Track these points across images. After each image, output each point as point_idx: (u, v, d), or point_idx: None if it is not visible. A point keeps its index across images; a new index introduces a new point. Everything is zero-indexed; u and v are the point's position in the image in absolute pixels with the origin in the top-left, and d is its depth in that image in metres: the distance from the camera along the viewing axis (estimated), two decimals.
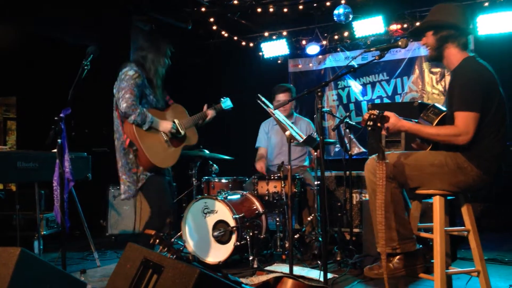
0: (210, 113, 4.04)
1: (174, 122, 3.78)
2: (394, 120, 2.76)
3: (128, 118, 3.52)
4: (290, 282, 2.74)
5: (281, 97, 5.18)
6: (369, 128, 2.69)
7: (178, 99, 4.32)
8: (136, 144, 3.55)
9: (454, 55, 2.88)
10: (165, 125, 3.69)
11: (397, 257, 2.81)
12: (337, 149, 7.23)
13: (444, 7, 2.98)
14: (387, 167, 2.71)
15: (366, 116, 2.70)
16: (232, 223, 4.13)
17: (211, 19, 7.01)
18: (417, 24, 2.91)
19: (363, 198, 4.98)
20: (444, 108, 2.97)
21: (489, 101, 2.71)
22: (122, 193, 3.66)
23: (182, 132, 3.80)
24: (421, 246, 2.90)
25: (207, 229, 4.26)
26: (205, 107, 4.06)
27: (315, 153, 4.61)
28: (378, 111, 2.70)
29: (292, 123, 5.12)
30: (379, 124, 2.71)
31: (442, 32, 2.88)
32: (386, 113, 2.74)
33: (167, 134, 3.71)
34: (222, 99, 4.18)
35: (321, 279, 3.14)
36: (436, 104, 3.05)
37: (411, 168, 2.81)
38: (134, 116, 3.50)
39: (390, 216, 2.79)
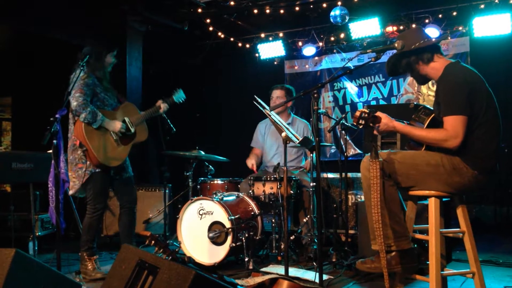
0: (163, 106, 4.24)
1: (124, 120, 4.00)
2: (386, 120, 2.78)
3: (79, 116, 3.75)
4: (285, 283, 2.74)
5: (277, 93, 5.19)
6: (360, 126, 2.72)
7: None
8: (85, 145, 3.80)
9: (432, 68, 2.91)
10: (114, 125, 3.92)
11: (392, 254, 2.82)
12: (332, 151, 7.23)
13: (403, 34, 3.04)
14: (381, 166, 2.73)
15: (357, 113, 2.73)
16: (227, 224, 4.12)
17: (208, 20, 7.02)
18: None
19: (359, 200, 4.98)
20: None
21: (478, 101, 2.73)
22: (70, 189, 3.90)
23: (132, 130, 4.03)
24: (415, 245, 2.91)
25: (202, 230, 4.25)
26: (159, 101, 4.26)
27: (310, 155, 4.61)
28: (369, 110, 2.72)
29: (289, 123, 5.14)
30: (371, 124, 2.73)
31: (402, 62, 2.93)
32: (378, 113, 2.76)
33: (117, 133, 3.92)
34: (175, 91, 4.37)
35: (317, 280, 3.14)
36: (427, 105, 3.08)
37: (408, 167, 2.82)
38: (85, 114, 3.74)
39: (385, 214, 2.80)
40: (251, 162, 5.17)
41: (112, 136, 3.93)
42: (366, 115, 2.71)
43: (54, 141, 3.44)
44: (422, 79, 3.00)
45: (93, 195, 3.91)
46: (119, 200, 4.19)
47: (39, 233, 4.94)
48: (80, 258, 3.96)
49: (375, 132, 2.83)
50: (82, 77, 3.84)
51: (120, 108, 4.08)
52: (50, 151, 3.47)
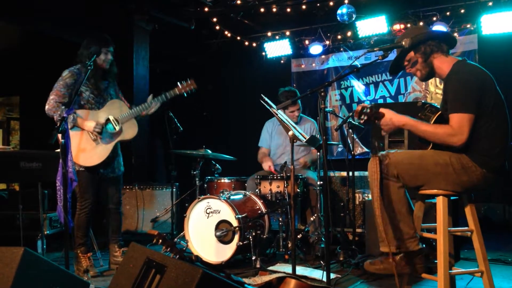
0: (154, 104, 4.12)
1: (108, 119, 3.95)
2: (389, 115, 2.76)
3: (53, 118, 3.81)
4: (293, 282, 2.74)
5: (294, 107, 5.13)
6: (362, 121, 2.70)
7: (180, 98, 4.34)
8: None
9: (444, 62, 2.87)
10: (89, 125, 3.88)
11: (400, 255, 2.81)
12: (340, 149, 7.22)
13: (408, 30, 3.00)
14: (380, 161, 2.72)
15: (359, 108, 2.69)
16: (235, 223, 4.12)
17: (214, 19, 7.02)
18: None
19: (366, 198, 4.97)
20: None
21: (486, 99, 2.71)
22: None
23: (117, 128, 3.96)
24: (424, 245, 2.90)
25: (210, 229, 4.26)
26: (150, 97, 4.15)
27: (318, 153, 4.60)
28: (371, 105, 2.70)
29: (296, 122, 5.13)
30: (376, 121, 2.71)
31: (423, 46, 2.88)
32: (382, 110, 2.74)
33: (93, 133, 3.89)
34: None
35: (324, 279, 3.14)
36: (434, 103, 3.05)
37: (416, 168, 2.81)
38: (56, 116, 3.81)
39: (394, 216, 2.79)
40: (268, 165, 5.07)
41: (90, 136, 3.94)
42: (368, 110, 2.68)
43: (62, 140, 3.45)
44: (430, 74, 2.95)
45: (79, 193, 3.98)
46: (102, 201, 4.17)
47: (48, 232, 4.96)
48: (75, 256, 4.00)
49: (383, 133, 2.81)
50: (64, 77, 3.88)
51: (106, 106, 4.03)
52: (58, 150, 3.49)
